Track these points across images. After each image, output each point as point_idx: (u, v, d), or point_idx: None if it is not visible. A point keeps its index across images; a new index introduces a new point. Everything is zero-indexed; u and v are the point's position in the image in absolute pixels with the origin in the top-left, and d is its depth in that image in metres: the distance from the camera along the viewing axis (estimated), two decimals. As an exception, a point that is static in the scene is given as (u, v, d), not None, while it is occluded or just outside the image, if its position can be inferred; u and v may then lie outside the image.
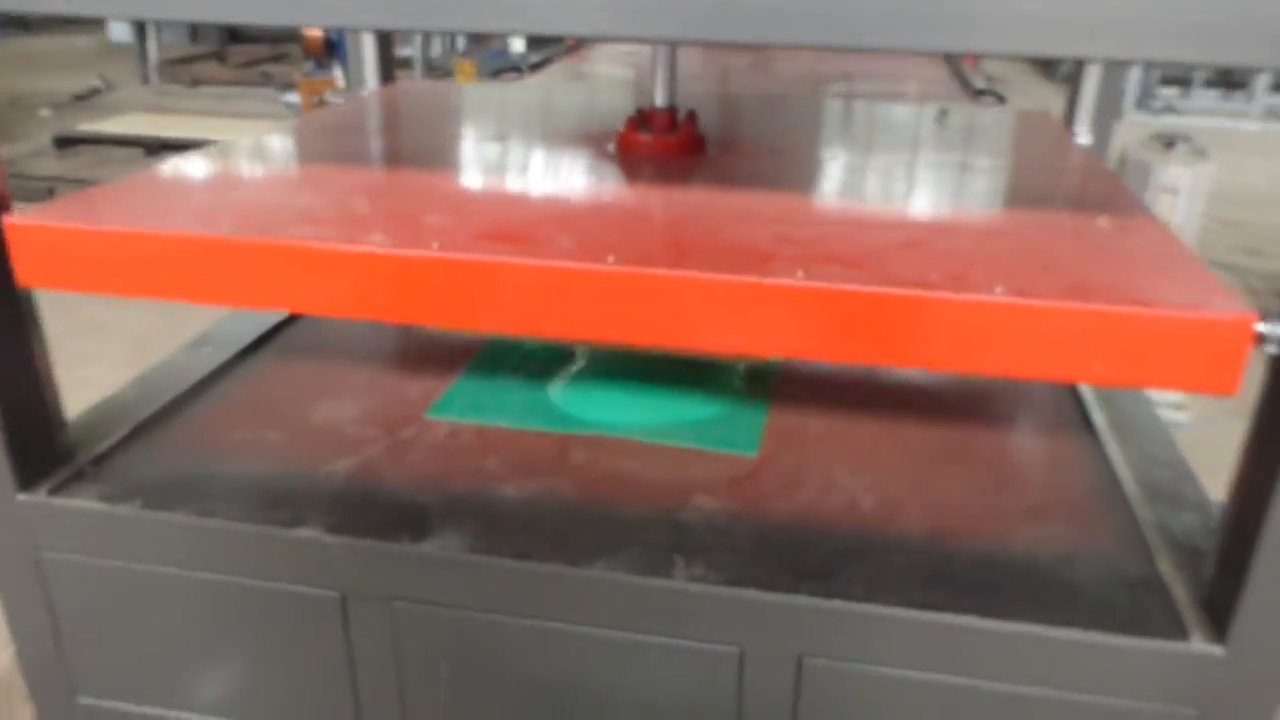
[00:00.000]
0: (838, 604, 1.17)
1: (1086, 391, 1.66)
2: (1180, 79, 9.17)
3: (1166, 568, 1.23)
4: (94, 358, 2.76)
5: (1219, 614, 1.13)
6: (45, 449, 1.38)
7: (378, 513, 1.32)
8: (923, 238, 1.21)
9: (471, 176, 1.56)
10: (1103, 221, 1.29)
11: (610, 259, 1.10)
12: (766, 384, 1.68)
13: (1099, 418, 1.57)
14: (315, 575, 1.30)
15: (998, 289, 1.03)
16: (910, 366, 1.06)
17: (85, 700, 1.50)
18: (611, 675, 1.28)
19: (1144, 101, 8.96)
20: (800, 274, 1.07)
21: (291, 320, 1.91)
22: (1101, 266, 1.12)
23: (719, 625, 1.21)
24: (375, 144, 1.78)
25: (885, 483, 1.40)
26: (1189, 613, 1.15)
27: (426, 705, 1.35)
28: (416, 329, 1.99)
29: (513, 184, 1.52)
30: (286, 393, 1.64)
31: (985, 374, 1.07)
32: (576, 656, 1.27)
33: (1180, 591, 1.19)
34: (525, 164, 1.63)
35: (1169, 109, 8.98)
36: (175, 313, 2.47)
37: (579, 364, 1.73)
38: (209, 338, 1.82)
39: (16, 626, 1.46)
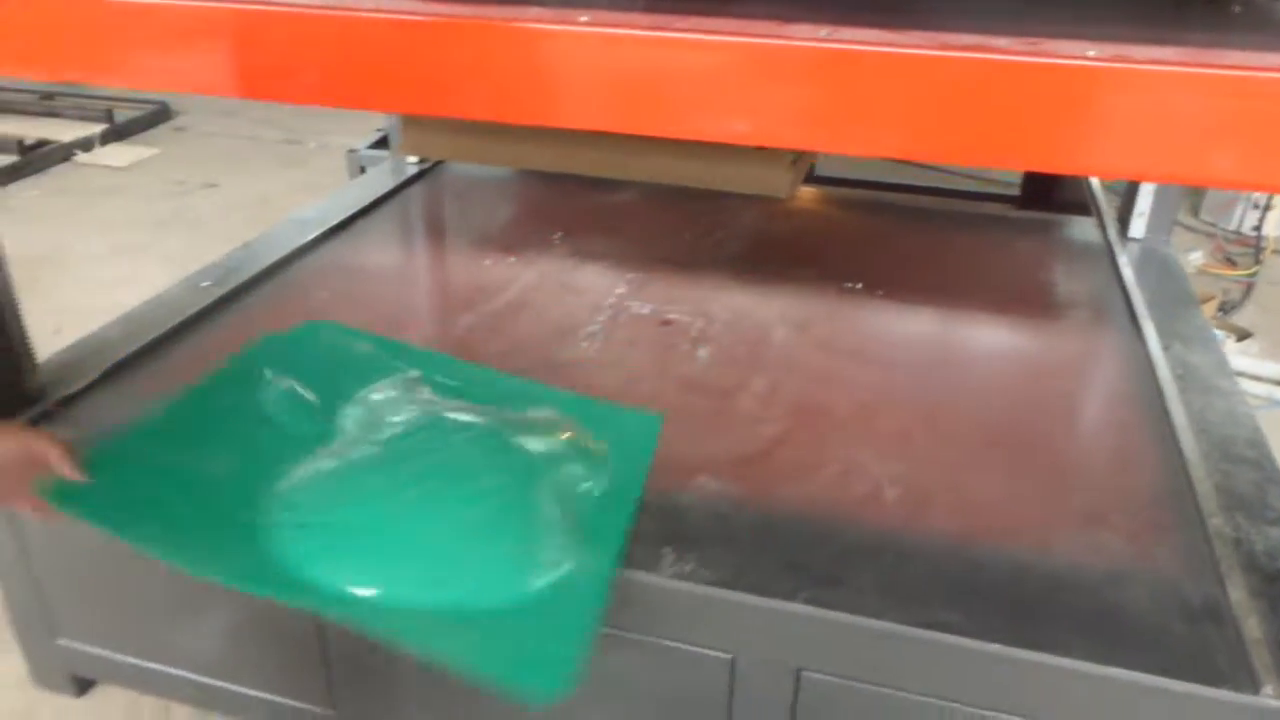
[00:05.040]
0: (844, 617, 1.02)
1: (1162, 371, 1.46)
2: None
3: (1239, 595, 1.05)
4: (128, 281, 2.73)
5: (1299, 661, 0.95)
6: (13, 388, 1.30)
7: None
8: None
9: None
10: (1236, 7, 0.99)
11: (583, 18, 0.83)
12: (621, 533, 1.08)
13: (1175, 403, 1.37)
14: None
15: (1090, 51, 0.76)
16: (973, 163, 0.77)
17: (64, 643, 1.45)
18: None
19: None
20: (824, 33, 0.79)
21: (298, 257, 1.80)
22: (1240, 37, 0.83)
23: (710, 629, 1.08)
24: None
25: (915, 473, 1.23)
26: (1261, 655, 0.97)
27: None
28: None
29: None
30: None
31: (1064, 171, 0.78)
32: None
33: (1254, 627, 1.01)
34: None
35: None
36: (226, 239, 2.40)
37: (331, 454, 1.11)
38: (210, 270, 1.72)
39: (-3, 567, 1.41)
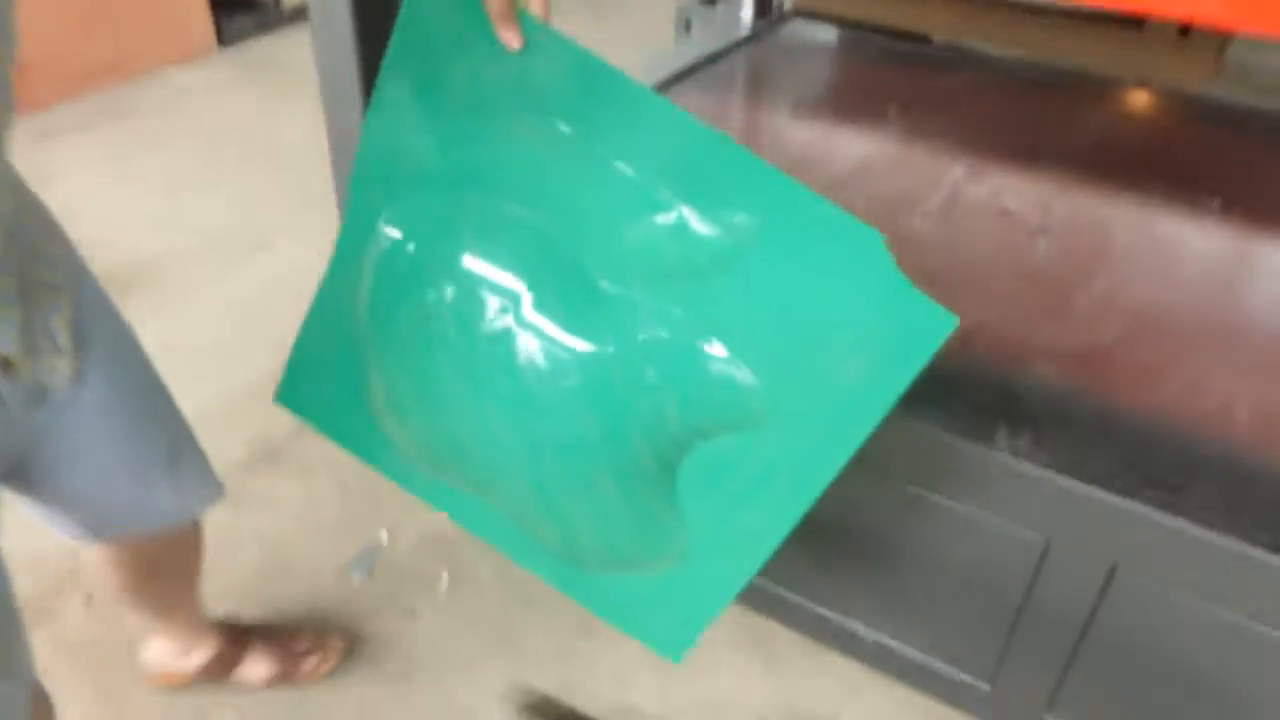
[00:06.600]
0: (1183, 523, 1.01)
1: None
2: None
3: None
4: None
5: None
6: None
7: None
8: None
9: None
10: None
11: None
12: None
13: None
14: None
15: None
16: None
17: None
18: (904, 531, 1.21)
19: None
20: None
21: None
22: None
23: (1032, 509, 1.10)
24: None
25: (1271, 397, 1.17)
26: None
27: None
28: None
29: None
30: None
31: None
32: (865, 507, 1.22)
33: None
34: None
35: None
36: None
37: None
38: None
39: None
